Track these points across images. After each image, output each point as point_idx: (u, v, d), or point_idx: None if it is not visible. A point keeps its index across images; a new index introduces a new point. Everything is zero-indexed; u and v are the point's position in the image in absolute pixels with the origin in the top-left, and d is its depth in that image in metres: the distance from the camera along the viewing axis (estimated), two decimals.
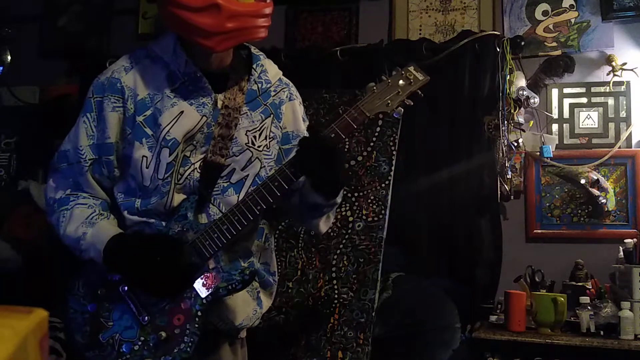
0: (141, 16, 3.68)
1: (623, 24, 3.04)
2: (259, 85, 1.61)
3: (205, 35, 1.42)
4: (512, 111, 2.94)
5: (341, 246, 2.68)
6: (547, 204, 3.02)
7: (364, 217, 2.71)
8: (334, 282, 2.62)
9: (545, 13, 3.14)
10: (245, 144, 1.56)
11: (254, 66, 1.61)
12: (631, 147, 2.97)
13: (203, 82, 1.53)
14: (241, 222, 1.47)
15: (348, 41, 3.36)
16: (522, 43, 3.02)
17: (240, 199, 1.52)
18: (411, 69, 1.45)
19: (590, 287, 2.69)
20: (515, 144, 2.95)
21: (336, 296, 2.57)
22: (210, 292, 1.44)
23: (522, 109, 2.98)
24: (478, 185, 2.96)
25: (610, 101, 3.02)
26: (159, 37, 1.60)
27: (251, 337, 2.64)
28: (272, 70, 1.65)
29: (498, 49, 2.98)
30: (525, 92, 2.94)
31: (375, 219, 2.70)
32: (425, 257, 2.98)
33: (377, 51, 3.16)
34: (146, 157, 1.50)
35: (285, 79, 1.69)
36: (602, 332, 2.47)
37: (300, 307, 2.61)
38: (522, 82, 3.00)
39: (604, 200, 2.89)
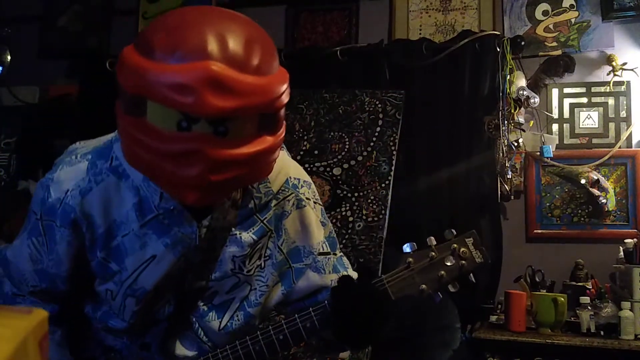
0: (141, 16, 3.68)
1: (623, 23, 3.04)
2: (257, 201, 1.21)
3: (181, 190, 1.00)
4: (512, 111, 2.94)
5: (341, 246, 2.68)
6: (547, 204, 3.02)
7: (364, 217, 2.71)
8: None
9: (545, 13, 3.14)
10: (231, 269, 1.21)
11: None
12: (631, 147, 2.96)
13: (184, 215, 1.15)
14: None
15: (348, 41, 3.36)
16: (522, 43, 3.02)
17: (222, 324, 1.23)
18: (469, 241, 1.13)
19: (591, 287, 2.69)
20: (516, 144, 2.95)
21: None
22: None
23: (522, 108, 2.98)
24: (478, 185, 2.95)
25: (611, 101, 3.01)
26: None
27: None
28: (274, 172, 1.18)
29: (498, 49, 2.98)
30: (525, 92, 2.94)
31: (375, 219, 2.70)
32: None
33: (377, 51, 3.15)
34: (111, 291, 1.19)
35: (294, 178, 1.26)
36: (602, 332, 2.46)
37: None
38: (522, 82, 3.00)
39: (604, 200, 2.89)
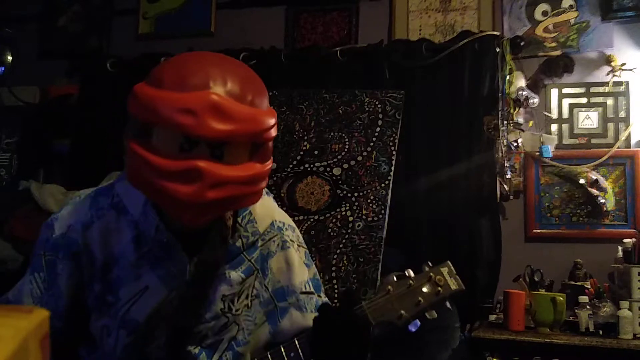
0: (141, 16, 3.69)
1: (622, 24, 3.04)
2: (244, 240, 1.29)
3: (180, 207, 1.08)
4: (512, 111, 2.95)
5: (341, 246, 2.68)
6: (547, 204, 3.03)
7: (364, 217, 2.72)
8: (334, 281, 2.62)
9: (544, 13, 3.14)
10: (221, 309, 1.26)
11: (239, 219, 1.29)
12: (630, 147, 2.97)
13: (176, 249, 1.23)
14: None
15: (348, 41, 3.37)
16: (522, 43, 3.03)
17: None
18: (444, 270, 1.20)
19: (589, 287, 2.69)
20: (515, 144, 2.96)
21: (336, 296, 2.57)
22: None
23: (521, 109, 2.98)
24: (477, 185, 2.96)
25: (610, 101, 3.02)
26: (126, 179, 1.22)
27: None
28: (260, 214, 1.33)
29: (498, 49, 2.99)
30: (524, 92, 2.94)
31: (375, 218, 2.70)
32: (425, 256, 2.98)
33: (377, 51, 3.16)
34: (107, 327, 1.24)
35: (279, 221, 1.37)
36: (600, 332, 2.47)
37: None
38: (522, 82, 3.00)
39: (603, 200, 2.90)
